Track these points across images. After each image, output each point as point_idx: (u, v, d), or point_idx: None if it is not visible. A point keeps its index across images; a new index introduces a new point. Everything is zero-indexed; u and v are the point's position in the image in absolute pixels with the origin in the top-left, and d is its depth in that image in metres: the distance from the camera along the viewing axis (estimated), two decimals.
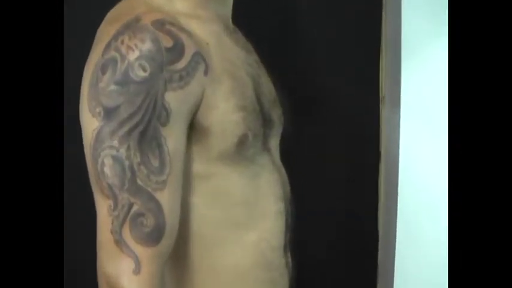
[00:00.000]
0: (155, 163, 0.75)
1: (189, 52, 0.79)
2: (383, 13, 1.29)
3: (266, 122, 0.90)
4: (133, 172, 0.74)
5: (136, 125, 0.74)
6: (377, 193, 1.34)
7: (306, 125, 1.30)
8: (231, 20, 0.95)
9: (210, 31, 0.86)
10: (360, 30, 1.30)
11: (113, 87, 0.74)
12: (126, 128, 0.74)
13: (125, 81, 0.74)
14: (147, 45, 0.75)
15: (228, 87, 0.84)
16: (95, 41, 0.85)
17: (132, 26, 0.77)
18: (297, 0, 1.28)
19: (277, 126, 0.95)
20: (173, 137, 0.77)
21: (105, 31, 0.81)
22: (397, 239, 1.28)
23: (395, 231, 1.27)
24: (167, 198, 0.76)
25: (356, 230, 1.36)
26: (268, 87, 0.96)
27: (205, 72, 0.81)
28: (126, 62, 0.75)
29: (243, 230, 0.89)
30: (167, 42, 0.77)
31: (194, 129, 0.81)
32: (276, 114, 0.95)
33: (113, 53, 0.76)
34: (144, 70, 0.75)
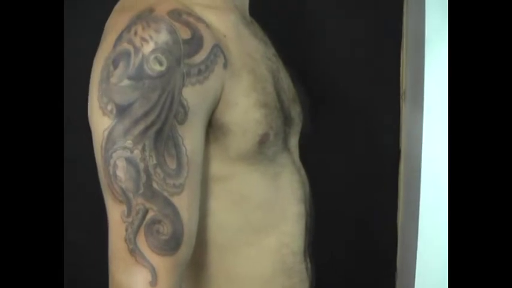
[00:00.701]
0: (172, 165, 0.69)
1: (208, 44, 0.73)
2: (404, 4, 1.22)
3: (286, 119, 0.84)
4: (148, 175, 0.68)
5: (152, 124, 0.68)
6: (396, 194, 1.27)
7: (322, 121, 1.24)
8: (248, 11, 0.89)
9: (228, 22, 0.80)
10: (379, 22, 1.23)
11: (126, 82, 0.68)
12: (141, 127, 0.68)
13: (139, 76, 0.68)
14: (163, 37, 0.69)
15: (248, 83, 0.78)
16: (104, 32, 0.79)
17: (145, 16, 0.71)
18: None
19: (296, 124, 0.90)
20: (191, 137, 0.71)
21: (116, 22, 0.75)
22: (418, 242, 1.22)
23: (417, 233, 1.21)
24: (185, 203, 0.70)
25: (374, 231, 1.30)
26: (287, 82, 0.90)
27: (225, 66, 0.75)
28: (141, 54, 0.68)
29: (262, 235, 0.84)
30: (185, 34, 0.71)
31: (212, 128, 0.75)
32: (295, 112, 0.90)
33: (125, 45, 0.69)
34: (161, 64, 0.68)
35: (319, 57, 1.22)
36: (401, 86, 1.24)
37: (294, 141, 0.90)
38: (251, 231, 0.83)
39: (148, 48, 0.69)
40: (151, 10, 0.72)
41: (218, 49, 0.74)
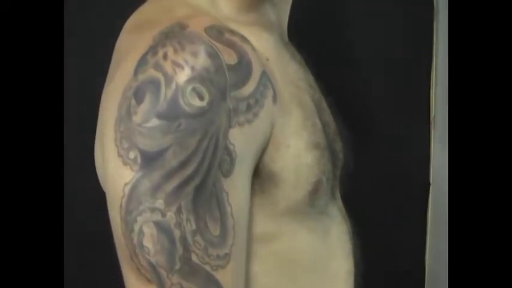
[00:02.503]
0: (215, 231, 0.53)
1: (256, 71, 0.57)
2: (434, 25, 1.09)
3: (334, 159, 0.69)
4: (186, 246, 0.51)
5: (191, 178, 0.52)
6: (424, 231, 1.14)
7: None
8: (286, 31, 0.74)
9: (267, 43, 0.65)
10: (408, 42, 1.09)
11: (155, 122, 0.52)
12: (175, 183, 0.51)
13: (173, 114, 0.52)
14: (202, 61, 0.53)
15: (298, 119, 0.63)
16: (117, 55, 0.63)
17: (176, 35, 0.55)
18: (342, 20, 1.07)
19: (341, 164, 0.75)
20: (238, 192, 0.55)
21: (133, 42, 0.59)
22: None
23: (447, 275, 1.07)
24: (231, 278, 0.54)
25: (401, 273, 1.15)
26: (328, 114, 0.75)
27: (274, 99, 0.59)
28: (174, 85, 0.52)
29: None
30: (230, 58, 0.55)
31: (258, 177, 0.59)
32: (339, 148, 0.75)
33: (152, 73, 0.53)
34: (201, 98, 0.52)
35: (343, 84, 1.07)
36: (431, 111, 1.11)
37: (337, 184, 0.76)
38: None
39: (183, 76, 0.52)
40: (182, 26, 0.56)
41: (266, 77, 0.58)
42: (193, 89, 0.52)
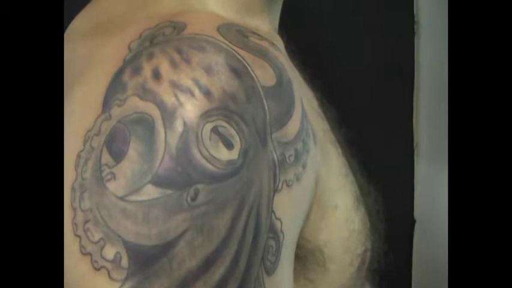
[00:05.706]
0: None
1: (298, 96, 0.37)
2: (416, 38, 0.95)
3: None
4: None
5: (220, 285, 0.31)
6: (409, 276, 0.99)
7: None
8: None
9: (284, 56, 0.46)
10: (389, 60, 0.95)
11: (151, 192, 0.30)
12: None
13: (183, 178, 0.30)
14: (225, 82, 0.32)
15: (338, 164, 0.45)
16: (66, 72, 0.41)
17: (171, 38, 0.33)
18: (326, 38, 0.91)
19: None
20: None
21: (94, 51, 0.37)
22: None
23: None
24: None
25: None
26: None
27: (314, 138, 0.40)
28: (180, 124, 0.31)
29: None
30: (265, 75, 0.34)
31: (298, 257, 0.40)
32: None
33: (136, 104, 0.31)
34: (229, 145, 0.31)
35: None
36: (414, 137, 0.97)
37: None
38: None
39: (195, 108, 0.31)
40: (177, 25, 0.34)
41: (303, 106, 0.39)
42: (215, 131, 0.31)
